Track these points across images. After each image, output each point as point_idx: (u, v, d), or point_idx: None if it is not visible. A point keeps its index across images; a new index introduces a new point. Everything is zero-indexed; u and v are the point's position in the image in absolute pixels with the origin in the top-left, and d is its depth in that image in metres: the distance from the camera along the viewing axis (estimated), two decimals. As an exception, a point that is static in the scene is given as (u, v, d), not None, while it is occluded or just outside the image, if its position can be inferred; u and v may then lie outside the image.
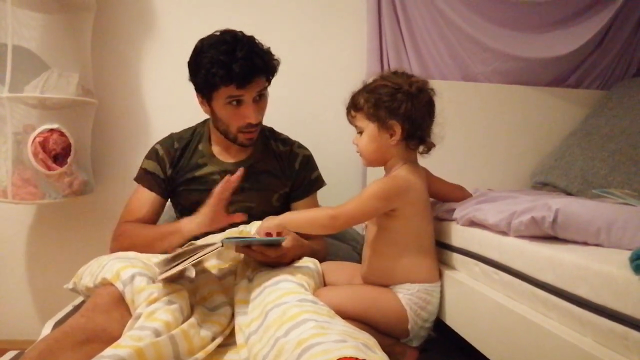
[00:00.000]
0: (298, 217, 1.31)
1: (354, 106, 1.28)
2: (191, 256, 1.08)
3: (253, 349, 0.95)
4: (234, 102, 1.37)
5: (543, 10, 2.05)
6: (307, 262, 1.30)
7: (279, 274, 1.16)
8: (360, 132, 1.28)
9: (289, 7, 2.07)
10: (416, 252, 1.24)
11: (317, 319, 0.91)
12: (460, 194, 1.38)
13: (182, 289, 1.10)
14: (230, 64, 1.30)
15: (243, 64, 1.30)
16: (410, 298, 1.21)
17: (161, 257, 1.17)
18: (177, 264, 1.07)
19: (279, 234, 1.23)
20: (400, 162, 1.26)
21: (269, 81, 1.44)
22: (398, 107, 1.20)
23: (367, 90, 1.26)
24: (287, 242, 1.25)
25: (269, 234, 1.22)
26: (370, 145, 1.26)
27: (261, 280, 1.15)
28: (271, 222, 1.24)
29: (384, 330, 1.21)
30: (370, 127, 1.24)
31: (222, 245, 1.08)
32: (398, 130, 1.21)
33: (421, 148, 1.28)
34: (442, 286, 1.26)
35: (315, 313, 0.94)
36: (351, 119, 1.31)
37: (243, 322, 1.08)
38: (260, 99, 1.42)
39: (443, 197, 1.39)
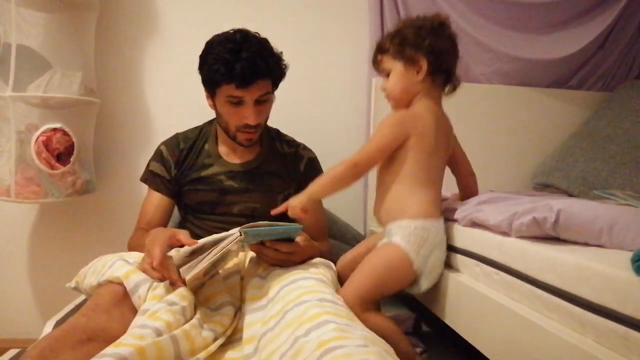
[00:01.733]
0: (322, 183, 1.28)
1: (379, 50, 1.34)
2: (211, 250, 1.07)
3: (269, 346, 0.94)
4: (234, 102, 1.36)
5: (545, 11, 2.05)
6: (321, 260, 1.30)
7: (295, 271, 1.16)
8: (387, 75, 1.31)
9: (291, 9, 2.07)
10: (418, 186, 1.25)
11: (337, 321, 0.91)
12: (468, 181, 1.42)
13: (188, 293, 1.10)
14: (233, 63, 1.30)
15: (245, 65, 1.30)
16: (408, 239, 1.20)
17: (180, 251, 1.13)
18: (198, 259, 1.07)
19: (304, 211, 1.23)
20: (426, 100, 1.29)
21: (275, 85, 1.43)
22: (422, 42, 1.25)
23: (392, 34, 1.31)
24: (299, 239, 1.25)
25: (292, 220, 1.22)
26: (398, 84, 1.29)
27: (277, 279, 1.14)
28: (299, 199, 1.25)
29: (399, 283, 1.22)
30: (397, 66, 1.28)
31: (241, 235, 1.08)
32: (424, 64, 1.25)
33: (447, 89, 1.32)
34: (442, 284, 1.25)
35: (335, 315, 0.94)
36: (378, 65, 1.35)
37: (256, 318, 1.07)
38: (263, 102, 1.41)
39: (454, 168, 1.42)
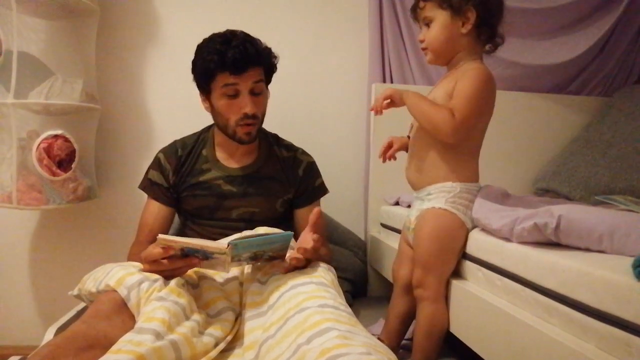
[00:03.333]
0: (418, 102, 1.22)
1: None
2: (197, 251, 1.08)
3: (270, 353, 0.94)
4: (230, 94, 1.39)
5: (544, 17, 2.06)
6: (320, 263, 1.29)
7: (295, 275, 1.16)
8: (428, 25, 1.25)
9: (292, 16, 2.08)
10: (466, 150, 1.24)
11: (339, 328, 0.90)
12: None
13: (185, 291, 1.10)
14: (225, 52, 1.34)
15: (236, 51, 1.34)
16: (454, 200, 1.21)
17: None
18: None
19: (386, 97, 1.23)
20: (469, 57, 1.24)
21: (267, 76, 1.47)
22: None
23: None
24: (315, 238, 1.22)
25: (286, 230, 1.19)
26: (441, 35, 1.23)
27: (277, 284, 1.14)
28: (390, 90, 1.25)
29: (459, 245, 1.22)
30: (442, 15, 1.22)
31: (228, 246, 1.07)
32: (472, 16, 1.20)
33: (488, 46, 1.27)
34: (449, 293, 1.25)
35: (337, 322, 0.93)
36: (419, 12, 1.28)
37: (256, 325, 1.07)
38: (258, 94, 1.43)
39: None
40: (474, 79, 1.19)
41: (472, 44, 1.25)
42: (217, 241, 1.11)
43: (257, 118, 1.43)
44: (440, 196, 1.23)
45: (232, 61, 1.34)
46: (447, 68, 1.30)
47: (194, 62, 1.43)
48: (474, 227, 1.22)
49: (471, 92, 1.18)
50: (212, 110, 1.46)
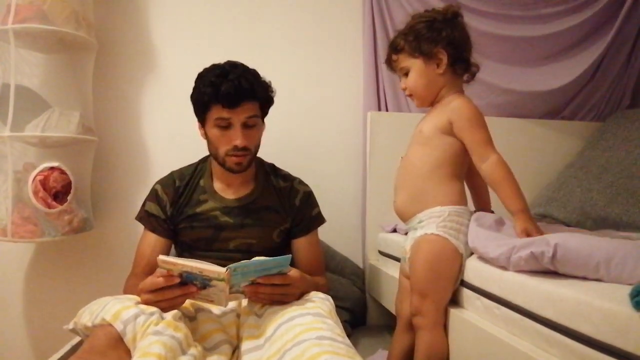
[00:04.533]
0: (517, 195, 1.21)
1: (394, 50, 1.32)
2: (196, 278, 1.07)
3: None
4: (223, 125, 1.39)
5: (537, 45, 2.09)
6: (318, 293, 1.29)
7: (292, 307, 1.15)
8: (406, 74, 1.31)
9: (287, 46, 2.12)
10: (452, 175, 1.27)
11: None
12: (482, 193, 1.44)
13: (181, 325, 1.08)
14: (220, 85, 1.35)
15: (230, 86, 1.34)
16: (444, 224, 1.22)
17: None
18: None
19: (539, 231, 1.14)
20: (451, 90, 1.30)
21: (263, 111, 1.47)
22: (439, 35, 1.25)
23: (403, 32, 1.30)
24: (292, 272, 1.23)
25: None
26: (421, 81, 1.29)
27: (273, 317, 1.13)
28: (528, 225, 1.13)
29: (454, 271, 1.21)
30: (416, 63, 1.28)
31: (227, 271, 1.06)
32: (444, 56, 1.25)
33: (466, 76, 1.32)
34: (447, 322, 1.24)
35: (335, 354, 0.92)
36: (394, 64, 1.34)
37: (254, 358, 1.06)
38: (251, 127, 1.43)
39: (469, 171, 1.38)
40: (468, 112, 1.25)
41: (451, 80, 1.30)
42: (215, 265, 1.10)
43: (248, 150, 1.43)
44: (431, 222, 1.24)
45: (225, 95, 1.34)
46: (434, 106, 1.35)
47: (193, 89, 1.44)
48: (470, 252, 1.22)
49: (476, 121, 1.24)
50: (206, 137, 1.47)
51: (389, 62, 1.36)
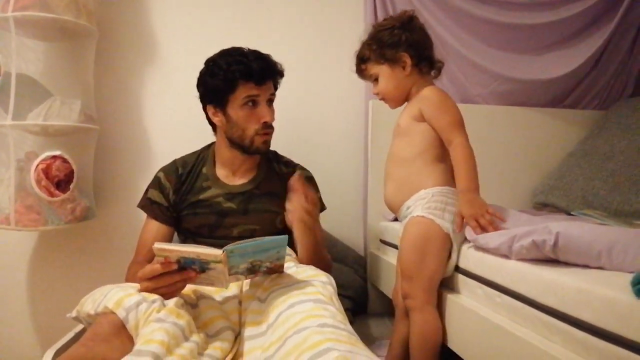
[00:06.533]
0: (472, 176, 1.23)
1: (361, 60, 1.41)
2: (194, 262, 1.07)
3: None
4: (250, 103, 1.42)
5: (540, 33, 2.08)
6: (320, 275, 1.27)
7: (293, 292, 1.14)
8: (376, 80, 1.40)
9: (289, 33, 2.11)
10: (433, 158, 1.32)
11: (339, 348, 0.89)
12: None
13: (184, 312, 1.09)
14: (249, 63, 1.39)
15: (261, 63, 1.40)
16: (429, 206, 1.26)
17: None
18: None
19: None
20: (421, 86, 1.37)
21: (275, 89, 1.51)
22: (399, 39, 1.33)
23: (367, 42, 1.39)
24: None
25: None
26: (390, 84, 1.37)
27: (275, 303, 1.13)
28: (480, 205, 1.19)
29: (441, 251, 1.24)
30: (383, 69, 1.37)
31: (223, 253, 1.06)
32: (407, 59, 1.34)
33: (433, 72, 1.40)
34: (444, 307, 1.25)
35: (337, 341, 0.92)
36: (364, 73, 1.43)
37: (255, 345, 1.06)
38: (271, 104, 1.48)
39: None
40: (434, 98, 1.32)
41: (418, 78, 1.38)
42: (211, 248, 1.10)
43: (272, 128, 1.48)
44: (417, 205, 1.29)
45: (257, 72, 1.39)
46: (408, 102, 1.42)
47: (207, 78, 1.44)
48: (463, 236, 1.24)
49: (441, 105, 1.31)
50: (227, 122, 1.46)
51: (359, 72, 1.44)
